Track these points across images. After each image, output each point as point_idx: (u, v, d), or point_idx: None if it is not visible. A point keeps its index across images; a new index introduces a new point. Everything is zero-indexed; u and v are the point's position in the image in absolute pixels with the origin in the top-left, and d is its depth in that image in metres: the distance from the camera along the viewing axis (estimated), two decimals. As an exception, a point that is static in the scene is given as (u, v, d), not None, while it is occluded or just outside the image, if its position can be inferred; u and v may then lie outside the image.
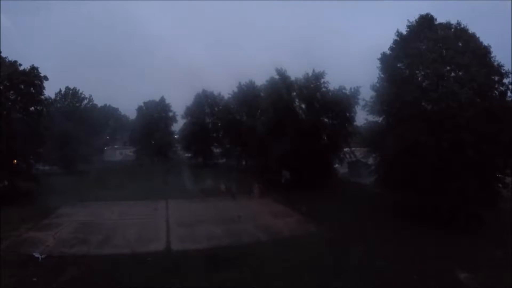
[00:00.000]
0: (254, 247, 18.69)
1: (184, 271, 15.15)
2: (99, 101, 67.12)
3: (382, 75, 26.70)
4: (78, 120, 47.07)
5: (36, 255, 16.40)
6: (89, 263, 15.76)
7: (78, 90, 55.90)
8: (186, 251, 17.69)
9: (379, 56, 26.94)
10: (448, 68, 23.42)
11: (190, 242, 19.12)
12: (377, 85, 26.93)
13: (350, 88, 36.36)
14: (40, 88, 31.77)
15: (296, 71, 38.61)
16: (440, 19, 25.66)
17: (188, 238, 19.96)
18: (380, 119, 27.58)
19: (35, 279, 14.09)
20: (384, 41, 27.24)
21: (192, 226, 22.44)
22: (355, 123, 37.73)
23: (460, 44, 23.70)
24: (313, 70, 37.40)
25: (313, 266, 16.09)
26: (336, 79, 38.35)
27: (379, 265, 16.23)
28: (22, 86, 30.39)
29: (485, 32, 24.67)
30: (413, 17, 25.90)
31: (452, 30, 24.69)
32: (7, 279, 13.97)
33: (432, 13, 25.73)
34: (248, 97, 46.53)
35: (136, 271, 14.97)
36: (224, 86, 62.79)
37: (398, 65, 25.57)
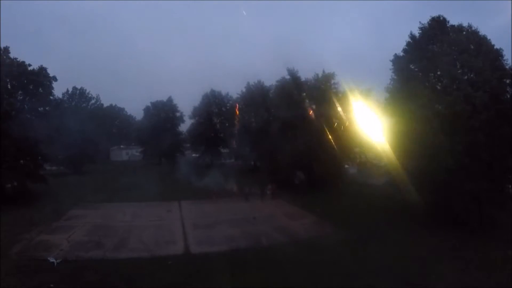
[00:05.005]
0: (274, 249, 18.30)
1: (207, 275, 14.67)
2: (104, 101, 67.35)
3: (395, 77, 26.48)
4: (85, 120, 46.62)
5: (51, 259, 15.83)
6: (106, 268, 15.18)
7: (85, 90, 55.84)
8: (206, 254, 17.20)
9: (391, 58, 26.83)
10: (461, 71, 23.39)
11: (209, 245, 18.62)
12: (391, 86, 26.74)
13: (362, 90, 35.88)
14: (49, 89, 31.46)
15: (304, 72, 38.55)
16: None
17: (206, 240, 19.44)
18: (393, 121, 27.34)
19: (52, 285, 13.51)
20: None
21: (208, 228, 21.95)
22: (366, 125, 37.47)
23: (472, 47, 23.60)
24: (323, 71, 37.05)
25: (334, 267, 15.84)
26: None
27: (397, 265, 16.20)
28: (31, 87, 30.04)
29: (485, 32, 24.52)
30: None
31: (464, 33, 24.60)
32: (22, 285, 13.47)
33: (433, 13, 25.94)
34: (257, 97, 45.92)
35: (157, 276, 14.45)
36: (232, 86, 62.39)
37: (412, 67, 25.45)
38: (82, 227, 21.53)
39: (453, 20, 25.68)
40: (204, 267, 15.47)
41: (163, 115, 58.48)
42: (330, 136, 35.28)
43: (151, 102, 59.91)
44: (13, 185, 28.90)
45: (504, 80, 23.45)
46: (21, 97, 29.84)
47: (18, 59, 29.29)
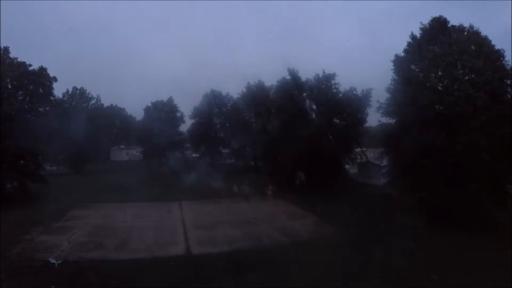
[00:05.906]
0: (275, 250, 18.26)
1: (209, 276, 14.61)
2: (104, 101, 67.37)
3: (396, 78, 26.51)
4: (85, 120, 46.63)
5: (52, 260, 15.75)
6: (108, 269, 15.09)
7: (86, 90, 55.80)
8: (207, 255, 17.14)
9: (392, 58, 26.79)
10: (461, 71, 23.41)
11: (210, 246, 18.54)
12: (392, 87, 26.74)
13: (362, 90, 36.01)
14: (49, 89, 31.42)
15: (305, 72, 38.45)
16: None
17: (207, 241, 19.38)
18: (394, 121, 27.32)
19: (52, 286, 13.45)
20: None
21: (209, 228, 21.87)
22: (367, 124, 37.66)
23: (473, 47, 23.64)
24: (323, 71, 37.03)
25: (336, 268, 15.81)
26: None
27: (398, 265, 16.17)
28: (31, 87, 30.02)
29: (485, 32, 24.57)
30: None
31: (465, 33, 24.64)
32: (22, 286, 13.43)
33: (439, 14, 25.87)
34: (258, 97, 45.82)
35: (159, 277, 14.40)
36: (232, 87, 62.34)
37: (412, 67, 25.44)
38: (83, 228, 21.43)
39: (454, 20, 25.76)
40: (205, 268, 15.44)
41: (163, 115, 58.26)
42: (330, 136, 35.35)
43: (151, 102, 59.84)
44: (13, 185, 28.93)
45: (505, 80, 23.58)
46: (21, 97, 29.83)
47: (18, 59, 29.34)
